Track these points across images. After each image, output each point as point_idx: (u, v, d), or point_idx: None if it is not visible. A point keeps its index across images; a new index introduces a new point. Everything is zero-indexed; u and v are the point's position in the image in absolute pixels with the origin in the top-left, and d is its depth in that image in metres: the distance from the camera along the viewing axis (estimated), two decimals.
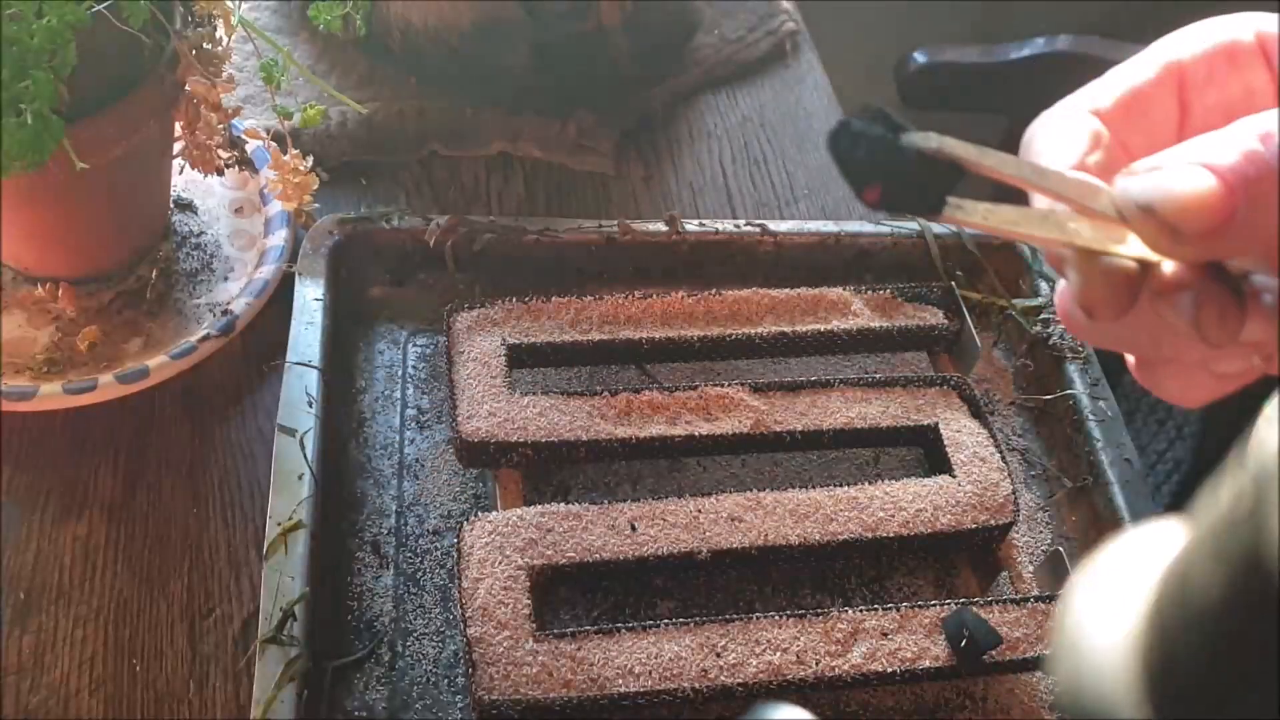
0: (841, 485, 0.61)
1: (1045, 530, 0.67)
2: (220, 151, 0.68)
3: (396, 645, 0.57)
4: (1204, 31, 0.36)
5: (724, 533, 0.58)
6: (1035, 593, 0.60)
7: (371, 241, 0.71)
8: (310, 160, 0.68)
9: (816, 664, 0.54)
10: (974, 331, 0.69)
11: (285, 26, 0.90)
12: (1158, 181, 0.30)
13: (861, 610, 0.56)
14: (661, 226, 0.74)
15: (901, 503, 0.60)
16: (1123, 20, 1.35)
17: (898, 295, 0.70)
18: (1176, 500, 1.00)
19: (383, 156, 0.82)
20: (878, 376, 0.67)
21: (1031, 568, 0.62)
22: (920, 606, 0.57)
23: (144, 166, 0.68)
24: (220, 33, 0.64)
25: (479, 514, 0.58)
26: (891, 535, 0.59)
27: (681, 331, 0.66)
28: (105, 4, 0.56)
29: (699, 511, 0.59)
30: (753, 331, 0.67)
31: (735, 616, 0.55)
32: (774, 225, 0.75)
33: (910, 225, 0.77)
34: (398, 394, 0.68)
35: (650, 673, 0.52)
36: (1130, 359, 0.37)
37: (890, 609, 0.56)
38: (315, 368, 0.63)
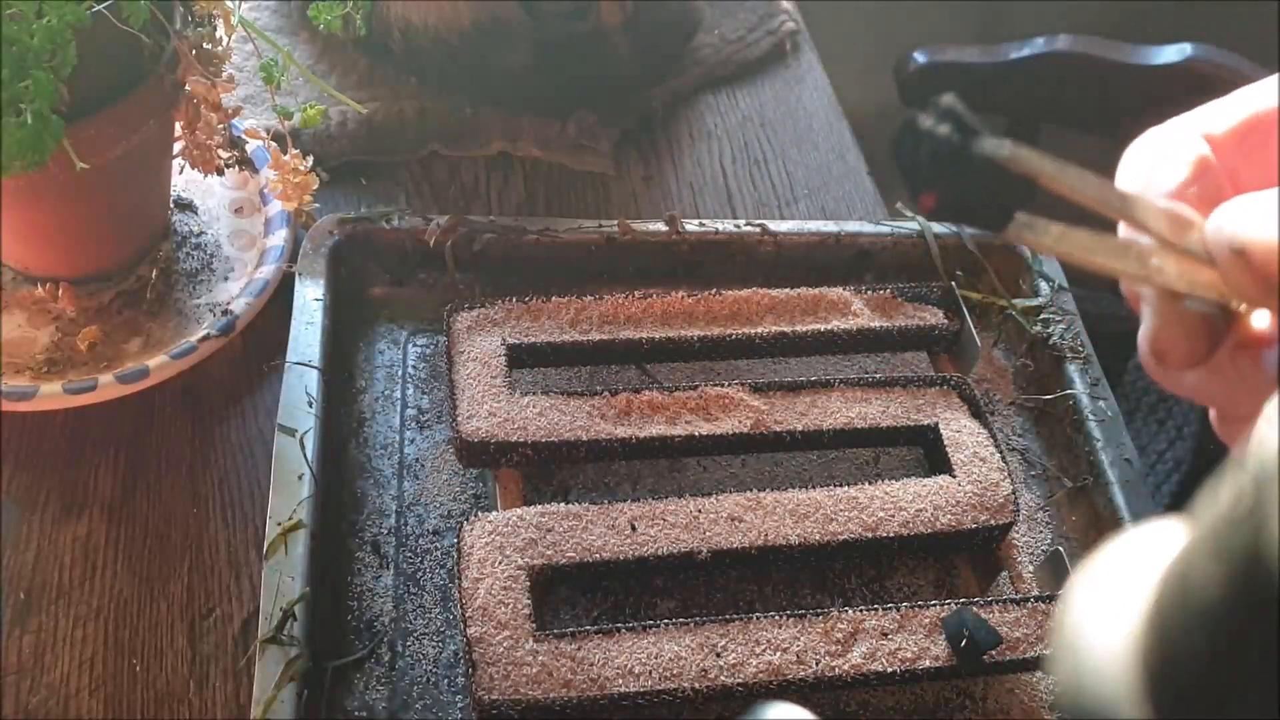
0: (841, 485, 0.61)
1: (1045, 530, 0.67)
2: (220, 151, 0.68)
3: (396, 645, 0.57)
4: None
5: (724, 533, 0.58)
6: (1035, 593, 0.60)
7: (371, 241, 0.71)
8: (310, 160, 0.68)
9: (816, 664, 0.54)
10: (974, 331, 0.69)
11: (285, 26, 0.90)
12: (1254, 220, 0.26)
13: (861, 610, 0.56)
14: (661, 226, 0.74)
15: (901, 503, 0.60)
16: (1123, 20, 1.35)
17: (898, 295, 0.70)
18: (1176, 500, 1.00)
19: (383, 156, 0.82)
20: (878, 376, 0.67)
21: (1031, 568, 0.62)
22: (920, 606, 0.57)
23: (144, 166, 0.68)
24: (220, 33, 0.64)
25: (479, 514, 0.58)
26: (891, 535, 0.59)
27: (681, 331, 0.66)
28: (105, 4, 0.56)
29: (699, 511, 0.59)
30: (753, 331, 0.67)
31: (735, 616, 0.55)
32: (774, 225, 0.75)
33: (910, 225, 0.77)
34: (398, 394, 0.68)
35: (650, 673, 0.52)
36: (1212, 411, 0.34)
37: (890, 609, 0.56)
38: (315, 368, 0.63)
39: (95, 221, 0.68)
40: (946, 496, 0.61)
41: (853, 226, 0.77)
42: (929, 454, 0.66)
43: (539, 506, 0.58)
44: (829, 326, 0.68)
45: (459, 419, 0.60)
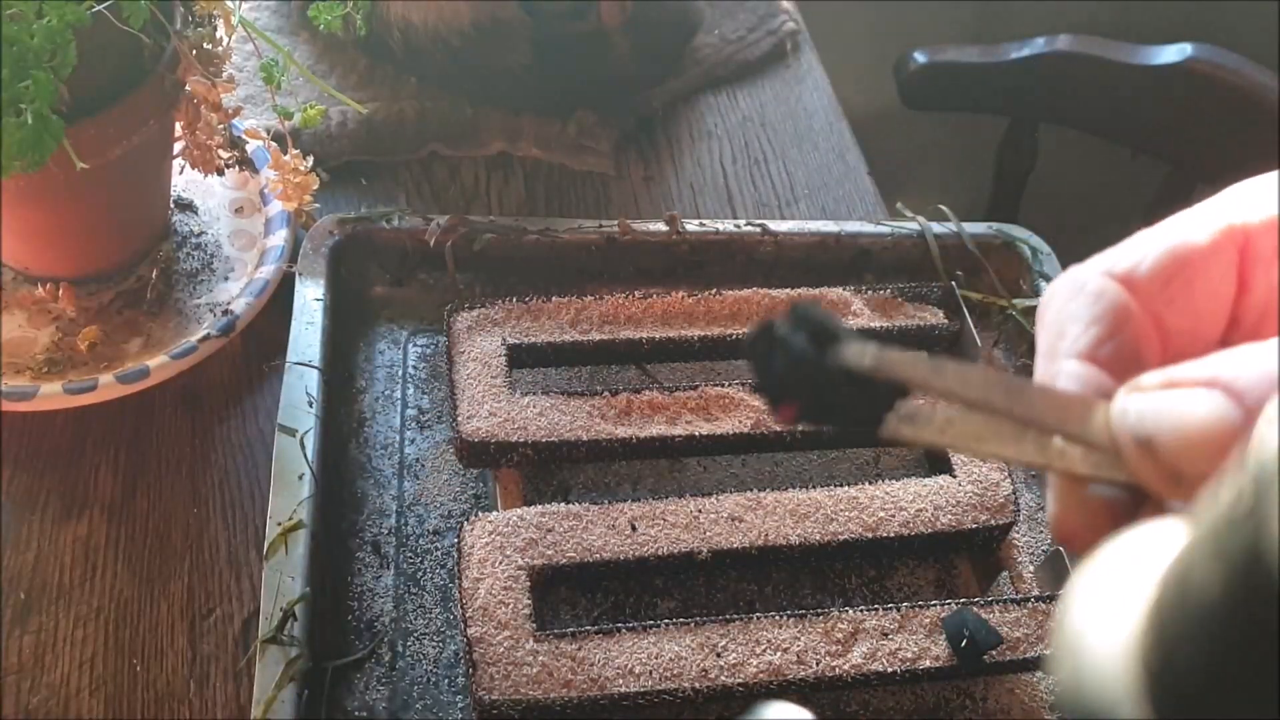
0: (842, 485, 0.61)
1: (1045, 530, 0.67)
2: (220, 151, 0.68)
3: (396, 645, 0.57)
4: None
5: (724, 533, 0.58)
6: (1035, 593, 0.60)
7: (371, 241, 0.71)
8: (310, 160, 0.68)
9: (817, 664, 0.54)
10: (974, 331, 0.69)
11: (285, 26, 0.90)
12: (1161, 411, 0.24)
13: (862, 610, 0.56)
14: (661, 226, 0.74)
15: (902, 502, 0.60)
16: (1123, 20, 1.35)
17: (898, 295, 0.70)
18: None
19: (383, 156, 0.82)
20: None
21: (1031, 568, 0.62)
22: (920, 606, 0.57)
23: (144, 166, 0.68)
24: (220, 33, 0.64)
25: (479, 514, 0.58)
26: (892, 535, 0.59)
27: (681, 331, 0.66)
28: (105, 4, 0.56)
29: (699, 511, 0.59)
30: None
31: (735, 616, 0.55)
32: (774, 225, 0.75)
33: (910, 225, 0.77)
34: (398, 394, 0.68)
35: (650, 673, 0.52)
36: None
37: (890, 609, 0.56)
38: (315, 368, 0.63)
39: (95, 221, 0.68)
40: (947, 496, 0.61)
41: (853, 227, 0.76)
42: (929, 453, 0.66)
43: (539, 506, 0.58)
44: None
45: (459, 419, 0.60)
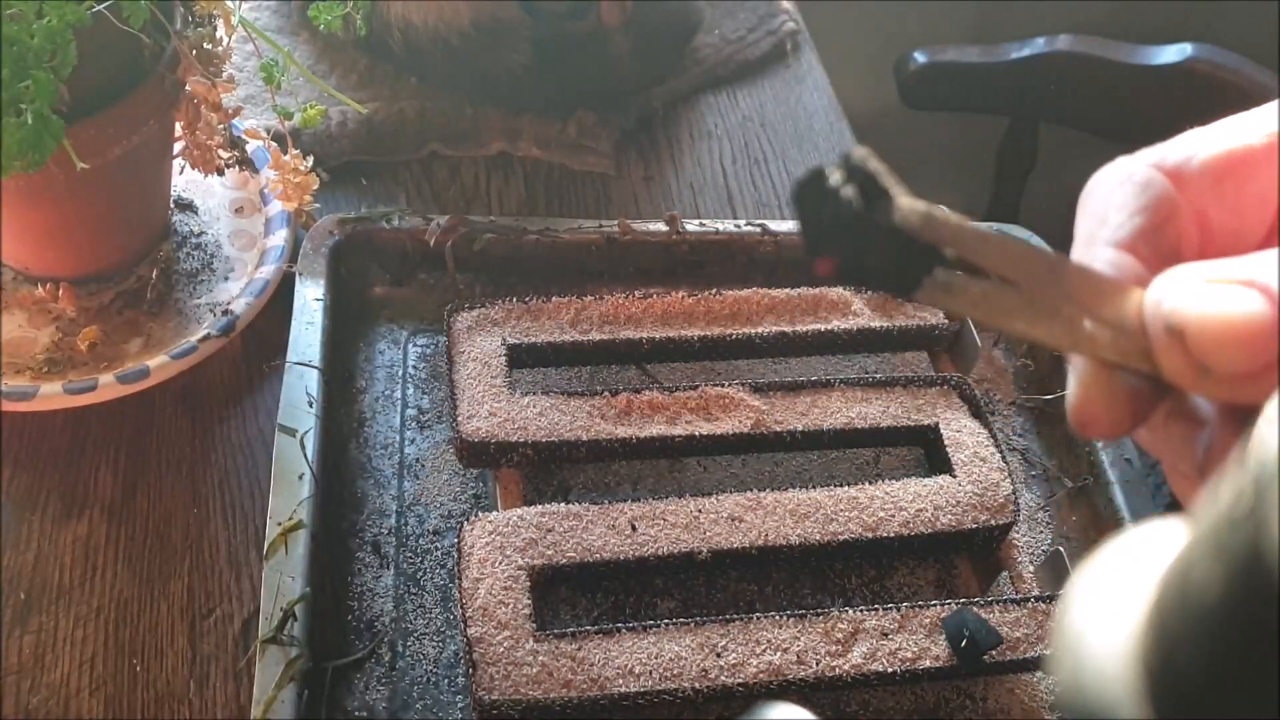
0: (842, 485, 0.61)
1: (1045, 530, 0.67)
2: (220, 151, 0.68)
3: (396, 645, 0.57)
4: None
5: (724, 533, 0.58)
6: (1035, 593, 0.60)
7: (371, 241, 0.71)
8: (310, 160, 0.68)
9: (817, 664, 0.54)
10: (974, 331, 0.69)
11: (285, 26, 0.90)
12: (1195, 301, 0.24)
13: (862, 610, 0.56)
14: (661, 226, 0.74)
15: (902, 503, 0.60)
16: (1123, 20, 1.35)
17: None
18: (1177, 500, 1.00)
19: (383, 156, 0.82)
20: (878, 376, 0.67)
21: (1031, 568, 0.62)
22: (920, 606, 0.57)
23: (144, 166, 0.68)
24: (220, 33, 0.64)
25: (479, 514, 0.58)
26: (892, 535, 0.59)
27: (681, 331, 0.66)
28: (105, 4, 0.56)
29: (699, 511, 0.59)
30: (753, 331, 0.67)
31: (735, 616, 0.55)
32: (774, 225, 0.75)
33: None
34: (398, 394, 0.68)
35: (650, 673, 0.52)
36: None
37: (890, 609, 0.56)
38: (315, 368, 0.63)
39: (95, 221, 0.68)
40: (947, 496, 0.61)
41: None
42: (929, 454, 0.66)
43: (539, 506, 0.58)
44: (829, 326, 0.68)
45: (459, 419, 0.60)
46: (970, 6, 1.47)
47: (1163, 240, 0.28)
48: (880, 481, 0.61)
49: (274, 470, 0.59)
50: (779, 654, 0.54)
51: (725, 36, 0.95)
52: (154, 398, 0.66)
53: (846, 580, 0.63)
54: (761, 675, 0.53)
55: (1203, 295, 0.24)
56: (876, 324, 0.68)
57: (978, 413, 0.65)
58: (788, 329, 0.67)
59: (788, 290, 0.69)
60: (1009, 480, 0.62)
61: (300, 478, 0.58)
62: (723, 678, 0.53)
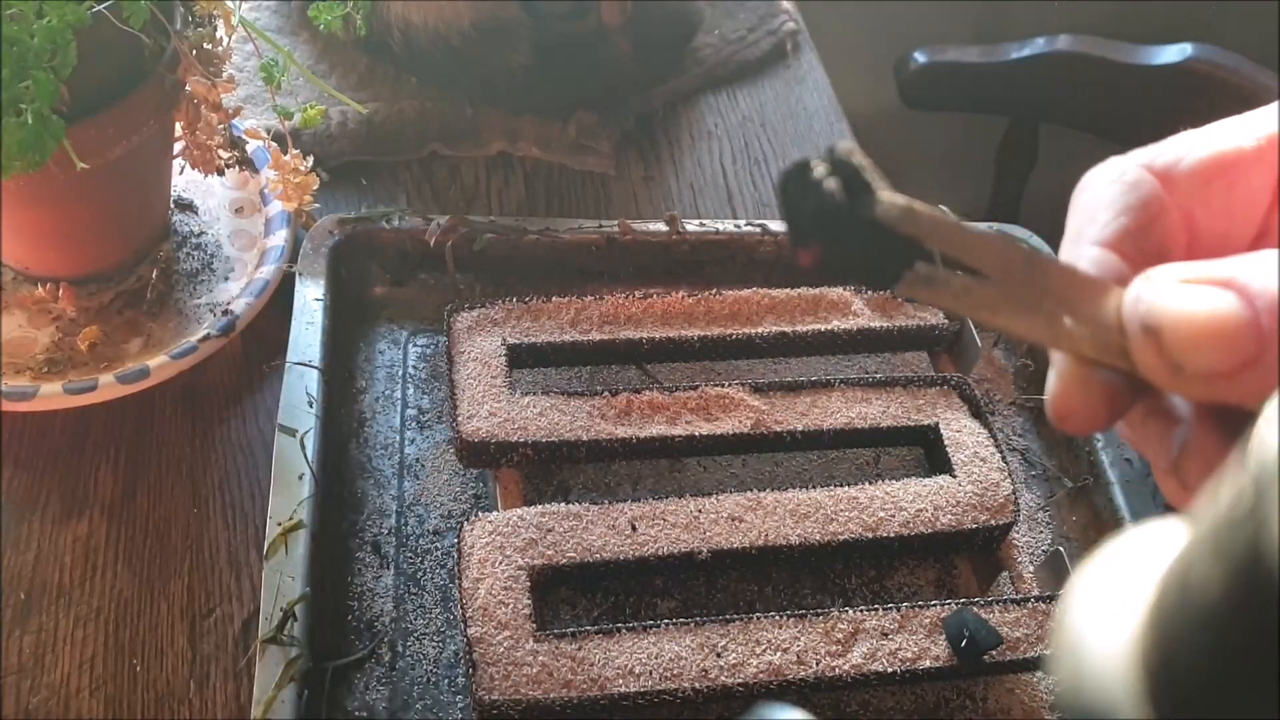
0: (842, 485, 0.61)
1: (1045, 530, 0.67)
2: (220, 151, 0.68)
3: (396, 645, 0.57)
4: None
5: (724, 533, 0.58)
6: (1035, 593, 0.60)
7: (371, 241, 0.71)
8: (310, 160, 0.68)
9: (817, 664, 0.54)
10: (974, 331, 0.69)
11: (285, 26, 0.90)
12: (1171, 301, 0.24)
13: (862, 610, 0.56)
14: (661, 226, 0.74)
15: (902, 503, 0.60)
16: (1123, 20, 1.35)
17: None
18: None
19: (383, 156, 0.82)
20: (878, 376, 0.67)
21: (1031, 568, 0.62)
22: (920, 606, 0.57)
23: (144, 166, 0.68)
24: (220, 33, 0.64)
25: (479, 514, 0.58)
26: (892, 535, 0.59)
27: (681, 331, 0.66)
28: (105, 4, 0.56)
29: (699, 511, 0.59)
30: (753, 331, 0.67)
31: (735, 616, 0.55)
32: (774, 225, 0.75)
33: None
34: (398, 394, 0.68)
35: (650, 673, 0.52)
36: None
37: (890, 609, 0.56)
38: (315, 368, 0.63)
39: (95, 221, 0.68)
40: (947, 496, 0.61)
41: None
42: (929, 454, 0.66)
43: (539, 506, 0.58)
44: (829, 326, 0.68)
45: (459, 419, 0.60)
46: (970, 6, 1.47)
47: (1148, 240, 0.28)
48: (880, 481, 0.61)
49: (274, 470, 0.59)
50: (779, 654, 0.54)
51: (725, 36, 0.95)
52: (154, 398, 0.66)
53: (846, 580, 0.63)
54: (761, 675, 0.53)
55: (1178, 294, 0.24)
56: (876, 324, 0.68)
57: (978, 413, 0.65)
58: (788, 329, 0.67)
59: (788, 290, 0.69)
60: (1009, 480, 0.62)
61: (300, 478, 0.58)
62: (723, 678, 0.53)
